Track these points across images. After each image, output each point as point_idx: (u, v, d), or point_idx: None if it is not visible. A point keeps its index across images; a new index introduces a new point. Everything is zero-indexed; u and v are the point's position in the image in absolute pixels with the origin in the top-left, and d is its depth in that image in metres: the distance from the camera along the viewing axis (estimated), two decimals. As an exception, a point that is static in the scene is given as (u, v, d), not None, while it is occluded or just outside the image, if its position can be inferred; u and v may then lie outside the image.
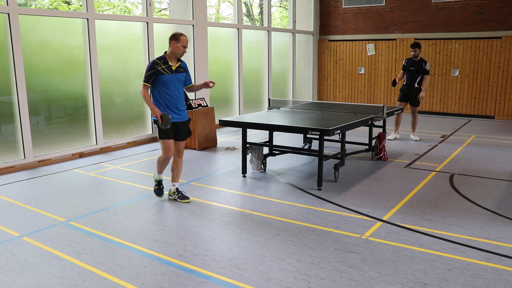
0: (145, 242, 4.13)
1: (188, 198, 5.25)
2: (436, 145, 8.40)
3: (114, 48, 8.39)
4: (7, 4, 6.55)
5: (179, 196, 5.24)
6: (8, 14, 6.55)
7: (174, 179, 5.27)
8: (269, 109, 7.72)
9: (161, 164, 5.18)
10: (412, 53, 8.47)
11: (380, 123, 7.72)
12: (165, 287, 3.34)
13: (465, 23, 11.91)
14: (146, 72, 4.89)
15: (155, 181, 5.34)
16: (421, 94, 8.50)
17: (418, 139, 8.46)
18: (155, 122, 4.90)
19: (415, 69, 8.52)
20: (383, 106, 6.93)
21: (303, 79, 14.22)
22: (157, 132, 5.00)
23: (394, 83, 8.51)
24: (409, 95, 8.67)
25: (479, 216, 4.73)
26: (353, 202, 5.21)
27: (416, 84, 8.55)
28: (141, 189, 5.77)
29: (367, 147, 7.39)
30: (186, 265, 3.67)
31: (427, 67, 8.49)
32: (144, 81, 4.89)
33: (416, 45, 8.42)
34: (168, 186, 5.51)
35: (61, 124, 7.68)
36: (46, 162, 7.16)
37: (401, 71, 8.82)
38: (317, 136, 5.58)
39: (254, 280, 3.43)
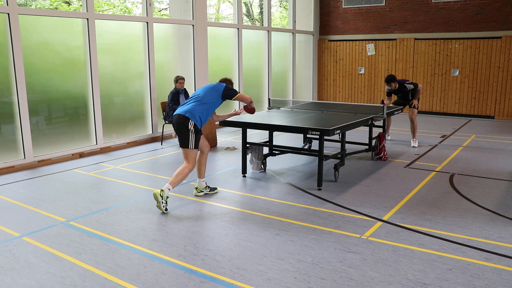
0: (145, 242, 4.13)
1: (215, 188, 5.67)
2: (436, 145, 8.40)
3: (114, 48, 8.39)
4: (7, 4, 6.55)
5: (210, 189, 5.58)
6: (8, 14, 6.55)
7: (202, 175, 5.49)
8: (269, 109, 7.72)
9: (184, 177, 5.01)
10: (388, 87, 8.28)
11: (380, 123, 7.72)
12: (165, 287, 3.34)
13: (465, 23, 11.91)
14: (234, 88, 5.46)
15: (166, 197, 4.88)
16: (413, 101, 8.35)
17: (417, 145, 8.33)
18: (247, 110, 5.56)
19: (402, 94, 8.39)
20: (383, 106, 6.93)
21: (303, 79, 14.22)
22: (192, 140, 5.03)
23: (383, 103, 8.48)
24: (406, 103, 8.53)
25: (479, 216, 4.73)
26: (353, 202, 5.21)
27: (410, 97, 8.42)
28: (141, 189, 5.77)
29: (367, 147, 7.39)
30: (186, 265, 3.67)
31: (409, 87, 8.27)
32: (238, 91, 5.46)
33: (390, 80, 8.16)
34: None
35: (61, 124, 7.68)
36: (46, 162, 7.16)
37: (386, 96, 8.62)
38: (317, 136, 5.58)
39: (254, 280, 3.43)
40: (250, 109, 5.58)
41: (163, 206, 4.84)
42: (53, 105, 7.55)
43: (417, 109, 8.43)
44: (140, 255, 3.87)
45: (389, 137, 8.89)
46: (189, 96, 8.53)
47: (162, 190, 4.84)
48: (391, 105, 8.41)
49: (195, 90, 9.77)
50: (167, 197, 4.88)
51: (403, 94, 8.41)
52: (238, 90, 5.44)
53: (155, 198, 4.82)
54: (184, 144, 5.05)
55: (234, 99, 5.33)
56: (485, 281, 3.39)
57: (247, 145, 6.37)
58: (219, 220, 4.67)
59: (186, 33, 9.77)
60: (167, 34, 9.53)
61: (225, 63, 11.07)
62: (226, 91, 5.27)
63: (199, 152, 5.41)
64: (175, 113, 5.19)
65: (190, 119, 5.01)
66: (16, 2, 6.62)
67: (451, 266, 3.61)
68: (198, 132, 5.07)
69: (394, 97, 8.86)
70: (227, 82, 5.52)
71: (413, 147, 8.22)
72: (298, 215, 4.77)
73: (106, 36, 8.11)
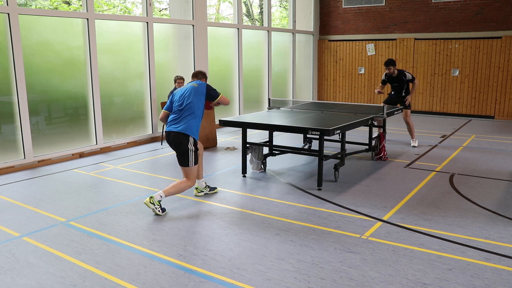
0: (145, 242, 4.13)
1: (215, 188, 5.66)
2: (436, 145, 8.40)
3: (114, 48, 8.39)
4: (7, 4, 6.55)
5: (210, 189, 5.57)
6: (8, 14, 6.55)
7: (200, 176, 5.46)
8: (269, 109, 7.72)
9: (180, 192, 4.99)
10: (387, 71, 8.20)
11: (380, 123, 7.72)
12: (165, 287, 3.34)
13: (465, 23, 11.91)
14: (214, 88, 5.25)
15: (158, 201, 4.82)
16: (408, 98, 8.22)
17: (417, 145, 8.31)
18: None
19: (398, 84, 8.25)
20: (383, 106, 6.93)
21: (303, 79, 14.22)
22: (192, 159, 4.93)
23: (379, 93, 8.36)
24: (397, 101, 8.39)
25: (479, 216, 4.73)
26: (353, 202, 5.21)
27: (403, 93, 8.28)
28: (141, 189, 5.77)
29: (367, 147, 7.39)
30: (186, 265, 3.67)
31: (408, 76, 8.19)
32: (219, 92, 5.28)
33: (389, 63, 8.10)
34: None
35: (61, 124, 7.68)
36: (46, 162, 7.16)
37: (380, 84, 8.51)
38: (317, 136, 5.58)
39: (254, 280, 3.43)
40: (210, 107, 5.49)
41: (158, 210, 4.79)
42: (53, 105, 7.55)
43: (410, 109, 8.35)
44: (140, 255, 3.87)
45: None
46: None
47: (151, 197, 4.78)
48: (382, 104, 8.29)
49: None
50: (159, 201, 4.82)
51: (400, 84, 8.21)
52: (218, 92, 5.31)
53: (147, 206, 4.79)
54: (184, 163, 4.94)
55: (215, 101, 5.20)
56: (485, 281, 3.39)
57: (247, 145, 6.37)
58: (219, 220, 4.67)
59: (186, 33, 9.77)
60: (167, 34, 9.53)
61: (225, 63, 11.07)
62: (209, 91, 5.12)
63: None
64: (168, 129, 4.99)
65: (190, 136, 4.89)
66: (16, 2, 6.62)
67: (451, 266, 3.61)
68: (197, 148, 4.99)
69: (388, 89, 8.63)
70: (203, 76, 5.31)
71: (413, 146, 8.21)
72: (298, 215, 4.77)
73: (106, 36, 8.11)
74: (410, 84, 8.36)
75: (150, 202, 4.76)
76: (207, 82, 5.30)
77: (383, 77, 8.46)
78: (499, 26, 11.51)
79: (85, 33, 7.68)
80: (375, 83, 13.44)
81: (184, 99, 4.99)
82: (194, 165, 4.97)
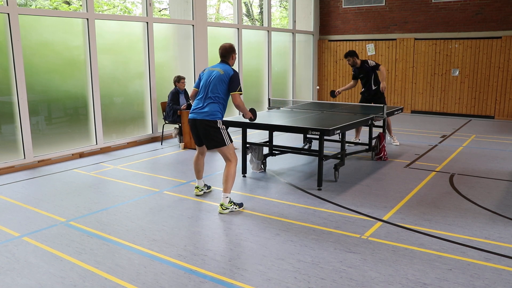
0: (145, 242, 4.13)
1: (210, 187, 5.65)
2: (436, 145, 8.40)
3: (114, 48, 8.39)
4: (7, 4, 6.55)
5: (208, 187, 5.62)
6: (8, 14, 6.55)
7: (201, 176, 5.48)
8: (269, 109, 7.72)
9: (234, 176, 4.92)
10: (348, 63, 8.11)
11: (380, 123, 7.72)
12: (165, 287, 3.34)
13: (465, 23, 11.91)
14: (239, 82, 4.92)
15: (231, 203, 4.89)
16: (382, 85, 7.96)
17: (398, 143, 8.18)
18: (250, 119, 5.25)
19: (364, 74, 8.10)
20: (383, 106, 6.93)
21: (303, 79, 14.22)
22: (226, 136, 4.86)
23: (332, 94, 8.21)
24: (371, 99, 8.18)
25: (479, 216, 4.73)
26: (353, 202, 5.21)
27: (373, 86, 8.09)
28: (141, 189, 5.77)
29: (367, 147, 7.39)
30: (186, 265, 3.67)
31: (371, 63, 7.99)
32: (240, 90, 4.89)
33: (347, 55, 8.00)
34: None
35: (61, 124, 7.68)
36: (46, 162, 7.16)
37: (352, 80, 8.43)
38: (317, 136, 5.58)
39: (254, 280, 3.43)
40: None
41: (236, 209, 4.88)
42: (53, 105, 7.55)
43: (385, 103, 8.14)
44: (140, 255, 3.87)
45: (359, 141, 8.42)
46: (188, 96, 8.54)
47: (221, 205, 4.85)
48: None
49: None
50: (231, 202, 4.88)
51: (366, 75, 8.05)
52: (240, 87, 4.90)
53: (223, 214, 4.83)
54: (219, 144, 4.86)
55: (231, 94, 4.88)
56: (485, 281, 3.39)
57: (247, 145, 6.37)
58: (219, 220, 4.67)
59: (186, 33, 9.77)
60: (167, 34, 9.53)
61: (225, 63, 11.05)
62: (230, 83, 4.85)
63: (197, 153, 5.39)
64: (192, 116, 4.95)
65: (216, 120, 4.85)
66: (16, 2, 6.62)
67: (451, 266, 3.61)
68: (226, 127, 4.97)
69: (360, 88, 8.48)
70: (232, 53, 5.04)
71: (396, 145, 8.14)
72: (298, 215, 4.77)
73: (106, 36, 8.11)
74: (379, 74, 8.09)
75: (223, 209, 4.83)
76: (236, 55, 5.15)
77: (352, 71, 8.32)
78: (499, 26, 11.51)
79: (85, 33, 7.68)
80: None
81: (208, 86, 4.93)
82: (231, 142, 4.91)
